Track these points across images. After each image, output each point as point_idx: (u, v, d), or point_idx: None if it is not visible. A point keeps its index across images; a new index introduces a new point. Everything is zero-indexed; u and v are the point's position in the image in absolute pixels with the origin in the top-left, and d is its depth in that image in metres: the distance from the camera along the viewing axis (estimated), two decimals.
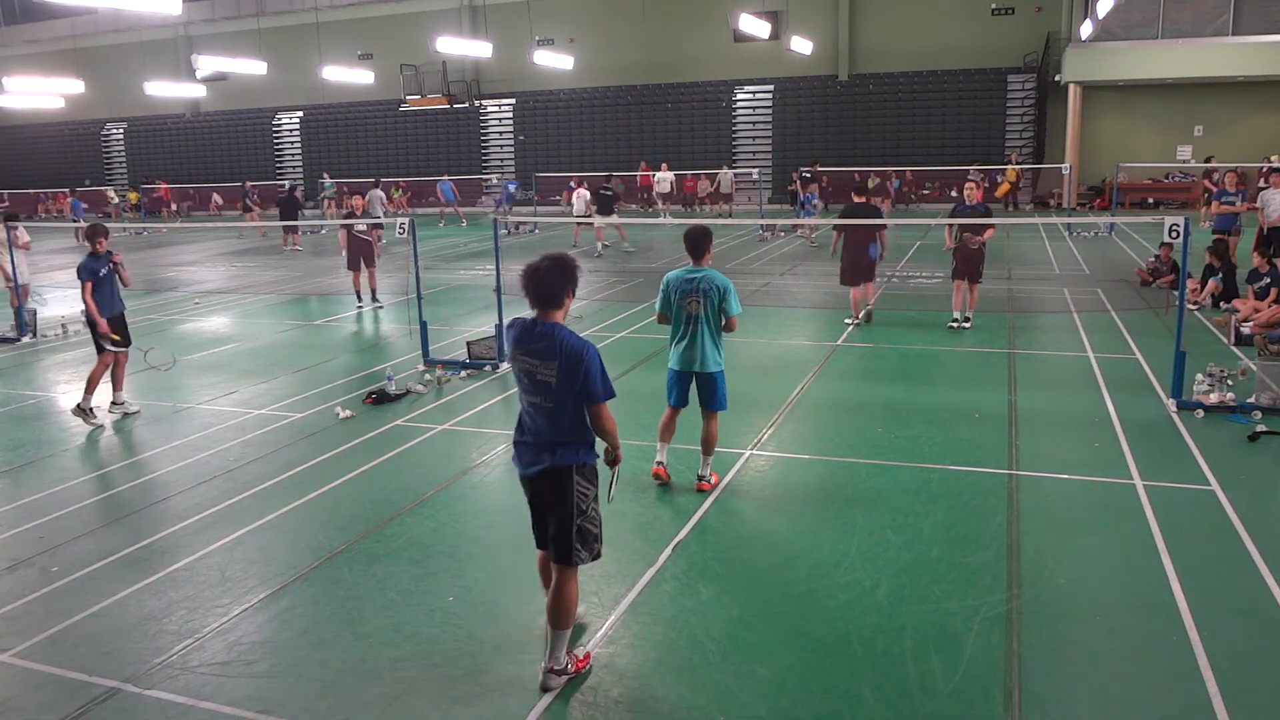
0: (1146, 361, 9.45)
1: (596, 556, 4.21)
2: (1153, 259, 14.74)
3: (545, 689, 4.07)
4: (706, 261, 6.23)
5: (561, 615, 4.10)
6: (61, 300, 15.94)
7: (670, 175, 28.94)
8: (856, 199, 11.74)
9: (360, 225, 13.88)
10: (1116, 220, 22.77)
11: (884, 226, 11.73)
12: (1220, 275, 12.36)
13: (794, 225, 23.22)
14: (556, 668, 4.10)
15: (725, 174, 29.58)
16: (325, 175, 33.87)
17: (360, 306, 14.03)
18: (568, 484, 4.05)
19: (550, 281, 4.04)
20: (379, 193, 22.65)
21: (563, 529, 4.08)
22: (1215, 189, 14.34)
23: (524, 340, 4.07)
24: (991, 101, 30.77)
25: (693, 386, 6.31)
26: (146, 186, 36.89)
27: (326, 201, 32.66)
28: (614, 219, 20.44)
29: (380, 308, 13.99)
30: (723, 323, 6.18)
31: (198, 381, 9.87)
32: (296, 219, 23.06)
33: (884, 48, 31.92)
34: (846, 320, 11.60)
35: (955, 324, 11.25)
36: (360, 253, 13.87)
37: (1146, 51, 27.37)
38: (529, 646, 4.41)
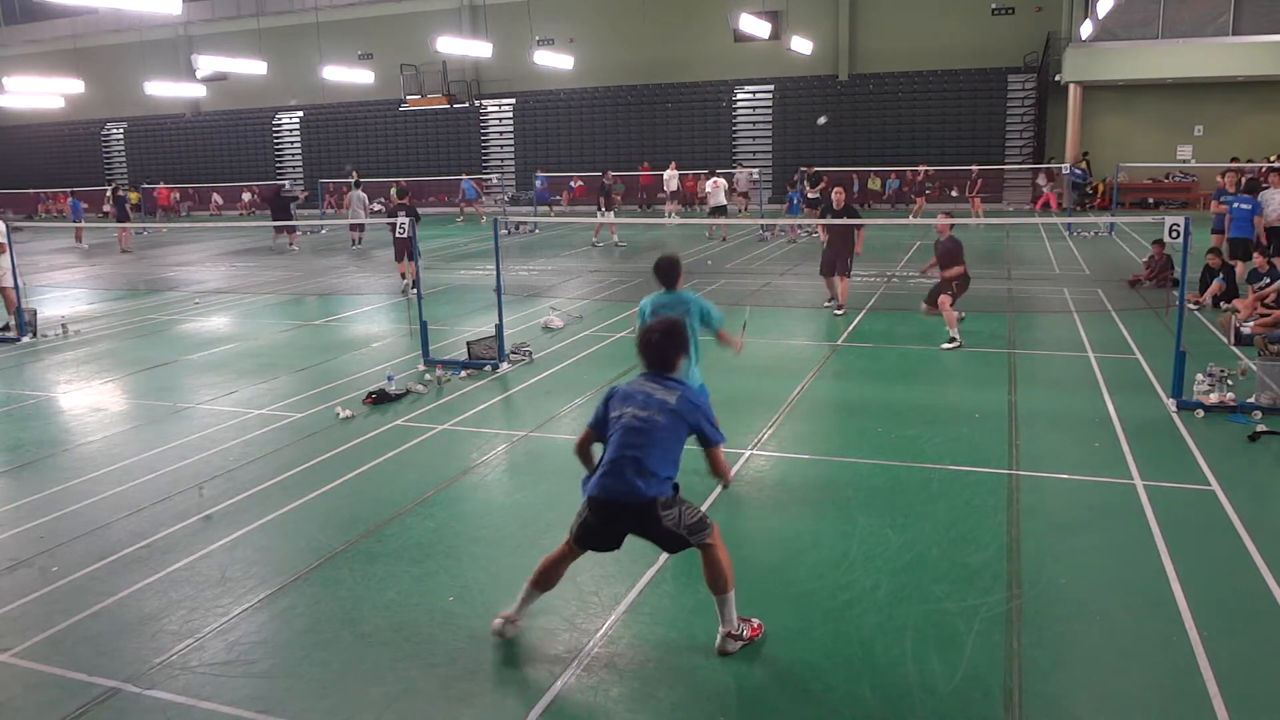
0: (1146, 361, 9.45)
1: (709, 527, 4.29)
2: (1146, 260, 14.65)
3: (723, 653, 4.24)
4: (678, 288, 6.30)
5: (717, 582, 4.24)
6: (60, 300, 15.99)
7: (677, 174, 28.94)
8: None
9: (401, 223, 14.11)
10: (1116, 220, 22.77)
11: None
12: (1221, 275, 12.36)
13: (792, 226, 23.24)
14: (733, 632, 4.26)
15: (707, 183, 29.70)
16: (355, 173, 34.06)
17: (403, 290, 15.31)
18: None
19: (663, 348, 4.35)
20: (360, 194, 22.82)
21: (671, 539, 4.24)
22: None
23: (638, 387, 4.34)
24: (991, 101, 30.77)
25: None
26: (147, 187, 36.88)
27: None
28: (609, 215, 20.38)
29: (416, 296, 13.85)
30: (701, 340, 6.19)
31: (198, 381, 9.88)
32: (288, 218, 23.08)
33: (884, 48, 31.91)
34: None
35: (950, 344, 10.49)
36: (402, 246, 15.06)
37: (1146, 51, 27.36)
38: (529, 647, 4.40)
